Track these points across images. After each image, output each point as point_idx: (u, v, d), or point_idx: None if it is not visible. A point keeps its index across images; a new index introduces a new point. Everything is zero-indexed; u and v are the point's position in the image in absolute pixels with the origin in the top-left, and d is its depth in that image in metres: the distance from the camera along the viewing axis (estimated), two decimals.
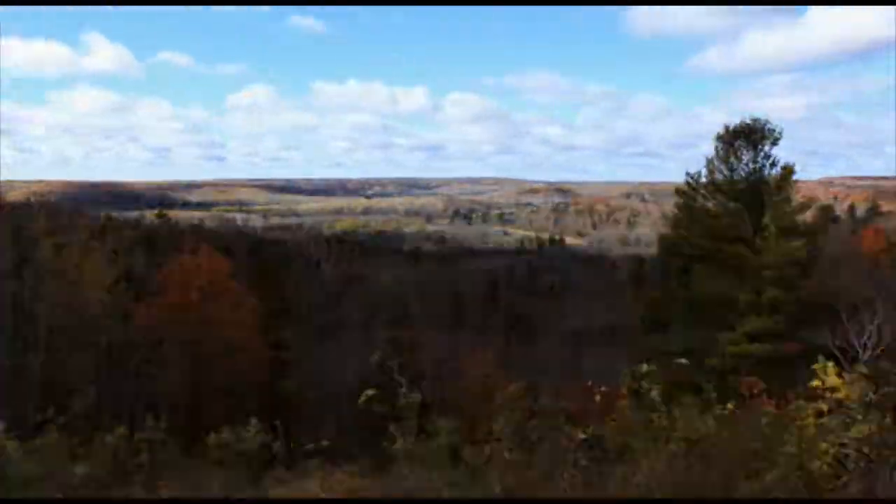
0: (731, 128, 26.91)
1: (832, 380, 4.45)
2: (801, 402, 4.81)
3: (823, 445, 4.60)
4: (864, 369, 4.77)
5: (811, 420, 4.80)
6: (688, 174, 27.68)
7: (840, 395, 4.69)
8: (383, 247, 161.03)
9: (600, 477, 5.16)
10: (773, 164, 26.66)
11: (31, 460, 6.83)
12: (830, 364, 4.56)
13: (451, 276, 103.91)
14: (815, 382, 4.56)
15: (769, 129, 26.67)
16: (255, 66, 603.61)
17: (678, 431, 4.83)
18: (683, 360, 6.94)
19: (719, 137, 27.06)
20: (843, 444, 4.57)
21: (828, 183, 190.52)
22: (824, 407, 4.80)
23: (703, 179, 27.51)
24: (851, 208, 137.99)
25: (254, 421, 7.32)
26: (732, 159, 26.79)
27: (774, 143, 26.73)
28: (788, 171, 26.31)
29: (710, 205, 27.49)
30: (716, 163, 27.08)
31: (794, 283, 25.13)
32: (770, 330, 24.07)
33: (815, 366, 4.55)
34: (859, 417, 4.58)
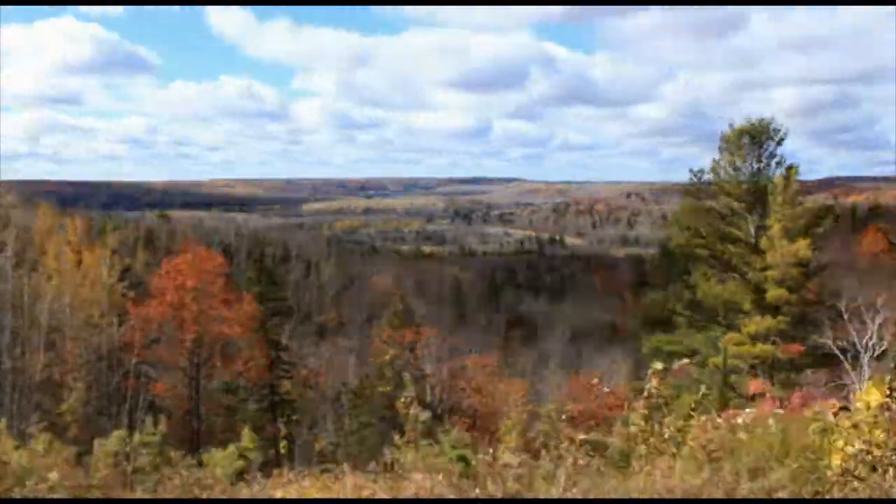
0: (736, 127, 26.80)
1: (875, 397, 4.38)
2: (812, 405, 4.74)
3: (834, 448, 4.55)
4: (872, 372, 4.71)
5: (822, 423, 4.74)
6: (692, 172, 27.61)
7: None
8: (383, 247, 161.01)
9: (601, 479, 5.10)
10: (779, 164, 26.55)
11: (30, 461, 6.77)
12: (874, 384, 4.48)
13: (452, 276, 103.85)
14: (861, 402, 4.48)
15: (774, 129, 26.57)
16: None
17: (689, 437, 4.77)
18: (686, 360, 6.85)
19: (724, 137, 26.95)
20: (854, 448, 4.52)
21: (828, 183, 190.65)
22: (835, 410, 4.75)
23: (708, 178, 27.42)
24: (852, 208, 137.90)
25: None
26: (737, 159, 26.68)
27: (779, 142, 26.65)
28: (792, 171, 26.18)
29: (714, 204, 27.41)
30: (721, 162, 26.98)
31: (798, 283, 25.05)
32: (773, 330, 24.01)
33: (868, 385, 4.48)
34: (871, 421, 4.52)
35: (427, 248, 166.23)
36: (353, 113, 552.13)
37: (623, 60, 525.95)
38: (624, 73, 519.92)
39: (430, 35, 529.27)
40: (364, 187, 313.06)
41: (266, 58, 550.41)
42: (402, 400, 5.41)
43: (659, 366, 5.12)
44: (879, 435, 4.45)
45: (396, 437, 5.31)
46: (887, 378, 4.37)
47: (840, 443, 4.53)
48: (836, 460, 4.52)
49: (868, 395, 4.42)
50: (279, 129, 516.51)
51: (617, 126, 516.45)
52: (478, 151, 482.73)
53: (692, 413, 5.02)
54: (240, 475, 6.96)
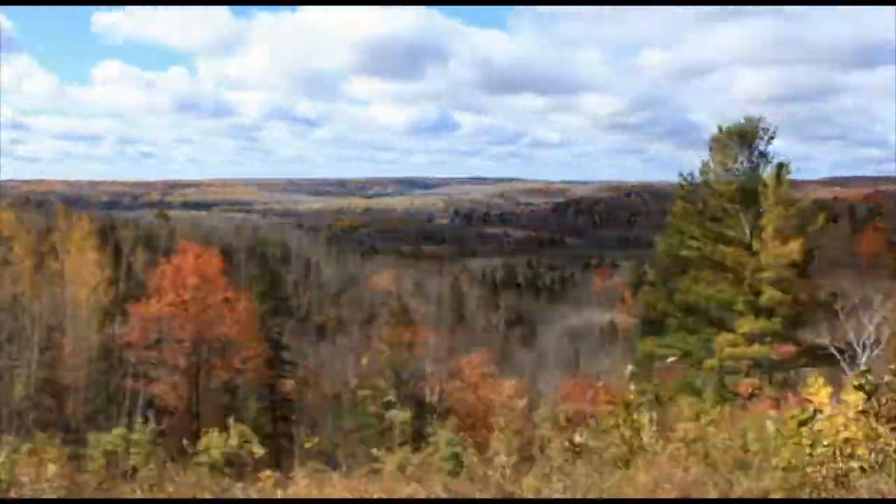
0: (724, 128, 26.81)
1: (822, 394, 4.45)
2: (802, 405, 4.80)
3: (822, 447, 4.60)
4: (862, 375, 4.76)
5: (811, 422, 4.80)
6: (681, 175, 27.59)
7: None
8: (383, 247, 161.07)
9: (594, 479, 5.15)
10: (769, 162, 26.56)
11: (29, 460, 6.83)
12: (821, 380, 4.56)
13: (451, 276, 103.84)
14: (810, 396, 4.56)
15: (763, 128, 26.57)
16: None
17: (676, 433, 4.83)
18: (671, 358, 6.88)
19: (713, 138, 26.97)
20: (843, 445, 4.57)
21: (828, 183, 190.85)
22: (824, 410, 4.80)
23: (699, 180, 27.41)
24: (851, 208, 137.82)
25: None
26: (727, 160, 26.68)
27: (769, 141, 26.66)
28: (783, 168, 26.15)
29: (705, 206, 27.40)
30: (711, 164, 26.97)
31: (792, 284, 25.06)
32: (768, 331, 24.04)
33: (809, 381, 4.56)
34: (858, 419, 4.58)
35: (427, 248, 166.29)
36: (296, 107, 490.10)
37: (543, 40, 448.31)
38: (556, 57, 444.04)
39: (308, 13, 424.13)
40: (364, 187, 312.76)
41: (143, 43, 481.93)
42: (384, 401, 5.48)
43: (629, 369, 5.19)
44: (866, 431, 4.51)
45: (376, 449, 5.36)
46: (864, 380, 4.43)
47: (829, 441, 4.59)
48: (825, 460, 4.58)
49: (847, 395, 4.47)
50: (221, 124, 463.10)
51: (576, 119, 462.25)
52: (453, 148, 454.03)
53: (684, 413, 5.08)
54: (233, 464, 7.02)
